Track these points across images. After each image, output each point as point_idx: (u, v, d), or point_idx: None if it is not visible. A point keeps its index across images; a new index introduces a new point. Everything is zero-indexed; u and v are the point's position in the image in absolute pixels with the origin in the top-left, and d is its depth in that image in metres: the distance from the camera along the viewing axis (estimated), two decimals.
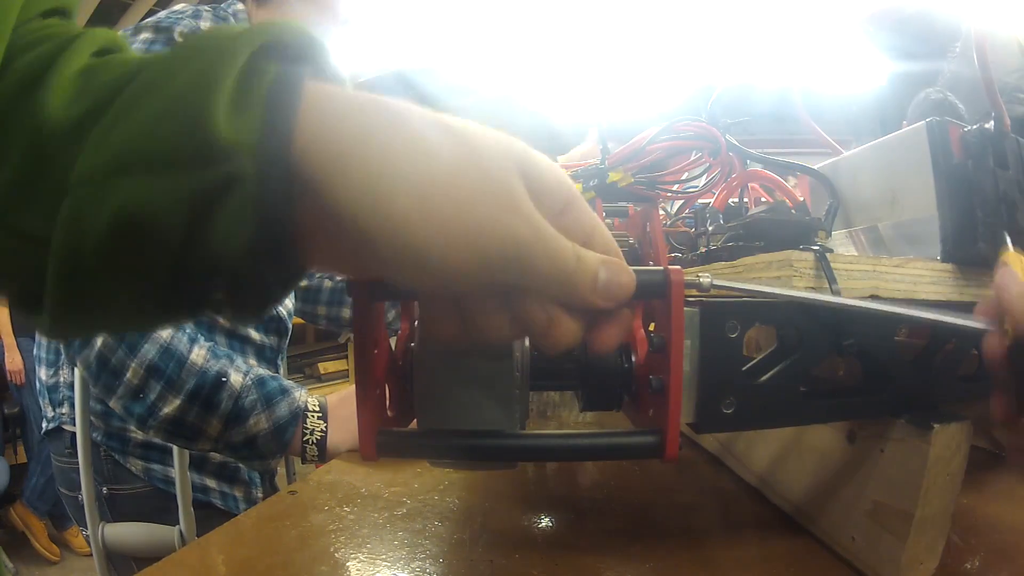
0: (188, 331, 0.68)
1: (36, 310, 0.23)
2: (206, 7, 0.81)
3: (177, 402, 0.64)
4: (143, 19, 0.82)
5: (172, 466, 0.78)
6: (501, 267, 0.22)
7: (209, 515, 0.81)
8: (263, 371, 0.69)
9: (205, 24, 0.78)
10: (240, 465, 0.86)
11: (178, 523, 0.78)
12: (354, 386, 0.28)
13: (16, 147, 0.21)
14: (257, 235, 0.20)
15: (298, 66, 0.22)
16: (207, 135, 0.19)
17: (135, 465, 0.82)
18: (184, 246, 0.20)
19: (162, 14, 0.79)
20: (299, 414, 0.67)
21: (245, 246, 0.20)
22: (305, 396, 0.69)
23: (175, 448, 0.76)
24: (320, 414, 0.68)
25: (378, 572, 0.36)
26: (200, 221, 0.19)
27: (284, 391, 0.68)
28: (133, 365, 0.64)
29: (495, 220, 0.22)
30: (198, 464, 0.83)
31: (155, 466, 0.83)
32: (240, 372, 0.67)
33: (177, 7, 0.80)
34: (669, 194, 0.53)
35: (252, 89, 0.20)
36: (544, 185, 0.24)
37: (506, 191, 0.22)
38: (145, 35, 0.74)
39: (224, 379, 0.66)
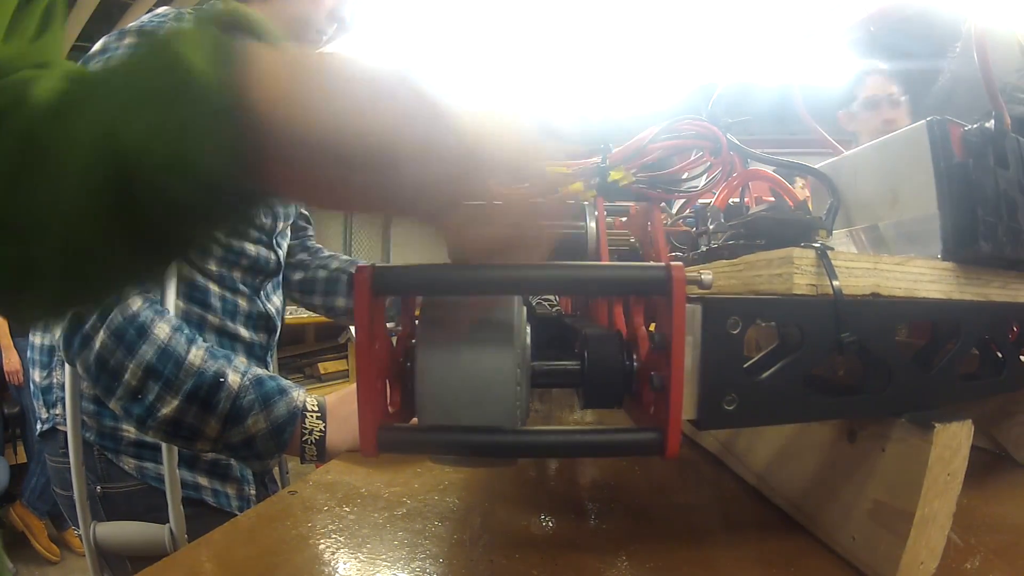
0: (186, 332, 0.68)
1: (18, 303, 0.26)
2: (188, 9, 0.81)
3: (175, 403, 0.64)
4: None
5: None
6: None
7: (201, 513, 0.81)
8: (261, 371, 0.69)
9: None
10: (232, 462, 0.86)
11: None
12: (354, 385, 0.27)
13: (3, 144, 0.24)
14: (232, 153, 0.23)
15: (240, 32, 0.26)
16: (183, 72, 0.22)
17: (128, 463, 0.82)
18: (167, 180, 0.23)
19: (145, 18, 0.79)
20: (297, 414, 0.67)
21: (221, 167, 0.23)
22: (303, 396, 0.69)
23: (164, 446, 0.76)
24: (319, 414, 0.67)
25: (378, 572, 0.36)
26: (176, 147, 0.22)
27: (282, 391, 0.68)
28: (131, 366, 0.64)
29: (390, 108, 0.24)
30: (189, 462, 0.83)
31: (148, 464, 0.82)
32: (238, 372, 0.67)
33: (160, 10, 0.80)
34: (672, 192, 0.53)
35: (209, 39, 0.24)
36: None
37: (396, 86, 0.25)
38: (130, 39, 0.73)
39: (222, 379, 0.66)
